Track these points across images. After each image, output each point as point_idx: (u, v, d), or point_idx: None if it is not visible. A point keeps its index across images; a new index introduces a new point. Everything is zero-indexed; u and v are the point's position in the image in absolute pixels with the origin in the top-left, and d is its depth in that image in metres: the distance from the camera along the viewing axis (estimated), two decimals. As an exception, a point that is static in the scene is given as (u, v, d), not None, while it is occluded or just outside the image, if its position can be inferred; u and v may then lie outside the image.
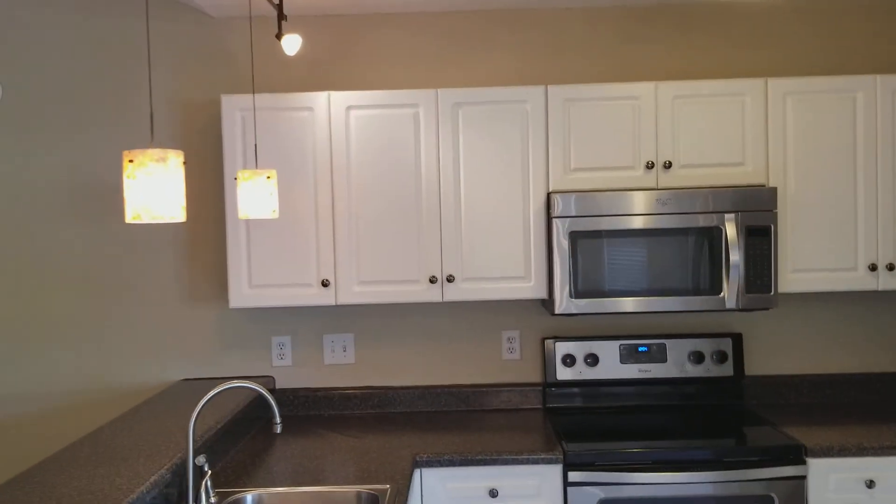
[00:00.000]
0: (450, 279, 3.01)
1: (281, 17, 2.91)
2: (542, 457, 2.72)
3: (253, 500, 2.35)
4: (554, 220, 2.93)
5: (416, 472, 2.74)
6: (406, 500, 2.34)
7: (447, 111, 3.00)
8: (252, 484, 2.44)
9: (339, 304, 3.03)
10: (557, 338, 3.30)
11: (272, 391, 3.37)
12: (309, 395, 3.36)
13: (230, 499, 2.31)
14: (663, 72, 3.33)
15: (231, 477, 2.53)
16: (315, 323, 3.38)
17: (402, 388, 3.37)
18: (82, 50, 3.32)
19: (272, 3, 2.84)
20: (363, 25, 3.33)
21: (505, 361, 3.39)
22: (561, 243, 2.93)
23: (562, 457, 2.72)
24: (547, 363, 3.29)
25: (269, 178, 2.44)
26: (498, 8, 3.30)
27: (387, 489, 2.35)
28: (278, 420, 2.21)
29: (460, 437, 2.93)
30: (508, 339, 3.38)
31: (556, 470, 2.74)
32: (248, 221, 3.02)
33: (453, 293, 3.03)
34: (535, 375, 3.39)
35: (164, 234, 3.36)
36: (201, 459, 2.25)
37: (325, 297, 3.04)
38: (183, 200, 1.69)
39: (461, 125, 3.01)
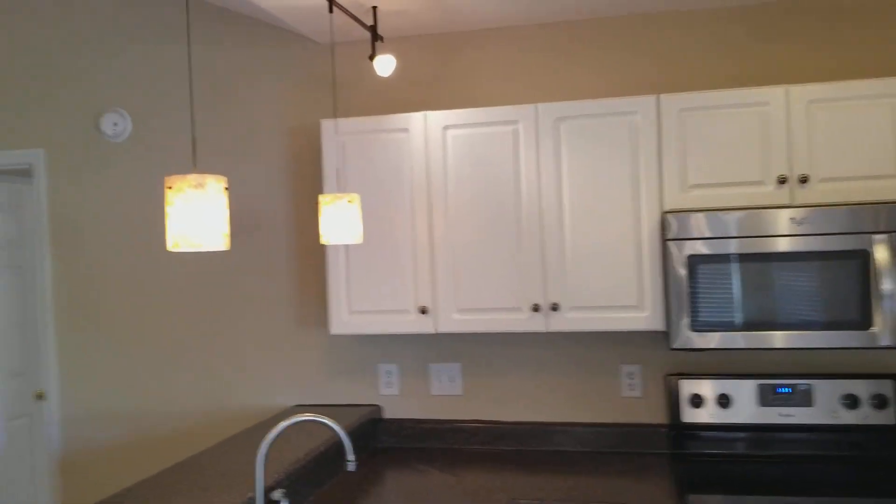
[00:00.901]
0: (554, 307, 2.80)
1: (374, 38, 2.84)
2: (650, 508, 2.43)
3: (330, 540, 2.24)
4: (669, 244, 2.65)
5: (511, 517, 2.53)
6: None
7: (548, 127, 2.81)
8: (334, 522, 2.34)
9: (438, 332, 2.90)
10: (683, 375, 2.98)
11: (379, 420, 3.28)
12: (415, 427, 3.24)
13: (306, 537, 2.22)
14: (797, 74, 2.96)
15: (316, 512, 2.45)
16: (421, 351, 3.26)
17: (512, 423, 3.17)
18: (198, 79, 3.42)
19: (364, 25, 2.77)
20: (461, 43, 3.20)
21: (625, 399, 3.11)
22: (677, 269, 2.64)
23: (674, 509, 2.42)
24: (672, 403, 2.97)
25: (350, 201, 2.35)
26: (604, 16, 3.07)
27: (469, 537, 2.17)
28: (351, 458, 2.10)
29: (571, 481, 2.69)
30: (628, 374, 3.10)
31: (667, 523, 2.44)
32: (347, 247, 2.96)
33: (558, 323, 2.81)
34: (658, 416, 3.08)
35: (277, 260, 3.37)
36: (278, 494, 2.18)
37: (424, 325, 2.91)
38: (225, 228, 1.61)
39: (563, 141, 2.80)
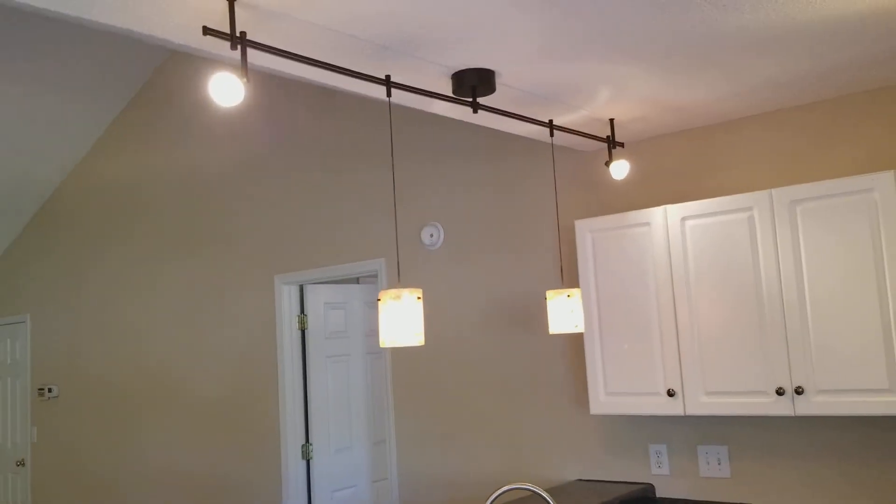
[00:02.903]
0: (798, 391, 2.77)
1: (610, 147, 3.19)
2: None
3: None
4: (914, 323, 2.51)
5: None
6: None
7: (783, 210, 2.85)
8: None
9: (687, 414, 3.03)
10: (971, 465, 2.69)
11: (652, 500, 3.44)
12: (685, 507, 3.35)
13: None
14: None
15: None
16: (689, 433, 3.38)
17: (782, 508, 3.12)
18: (493, 191, 4.05)
19: (600, 139, 3.15)
20: (701, 137, 3.36)
21: (906, 489, 2.88)
22: (925, 350, 2.48)
23: None
24: (957, 496, 2.70)
25: (569, 296, 2.70)
26: (839, 95, 3.01)
27: None
28: (561, 522, 2.40)
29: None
30: (908, 462, 2.87)
31: None
32: (601, 333, 3.27)
33: (805, 407, 2.77)
34: (946, 510, 2.80)
35: (557, 345, 3.78)
36: (509, 551, 2.55)
37: (674, 408, 3.07)
38: (419, 328, 2.11)
39: (800, 223, 2.82)
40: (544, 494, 2.42)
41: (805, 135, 3.15)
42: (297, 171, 4.96)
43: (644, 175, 3.55)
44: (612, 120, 3.19)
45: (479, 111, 2.57)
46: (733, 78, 2.76)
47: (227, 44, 1.88)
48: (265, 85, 5.13)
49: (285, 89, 5.04)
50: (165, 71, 5.91)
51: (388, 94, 2.28)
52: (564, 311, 2.71)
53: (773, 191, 2.88)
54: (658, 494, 3.45)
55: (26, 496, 6.89)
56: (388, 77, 2.26)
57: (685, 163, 3.45)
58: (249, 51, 1.95)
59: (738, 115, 3.26)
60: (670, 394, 3.07)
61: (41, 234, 7.03)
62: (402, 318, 2.10)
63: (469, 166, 4.16)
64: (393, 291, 2.11)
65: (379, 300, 2.13)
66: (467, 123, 3.96)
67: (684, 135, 3.46)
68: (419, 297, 2.13)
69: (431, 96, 2.44)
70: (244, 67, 1.84)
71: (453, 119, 3.85)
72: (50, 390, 6.70)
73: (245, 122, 5.31)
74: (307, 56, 2.08)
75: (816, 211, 2.79)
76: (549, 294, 2.76)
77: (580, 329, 2.72)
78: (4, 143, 6.04)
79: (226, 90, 1.81)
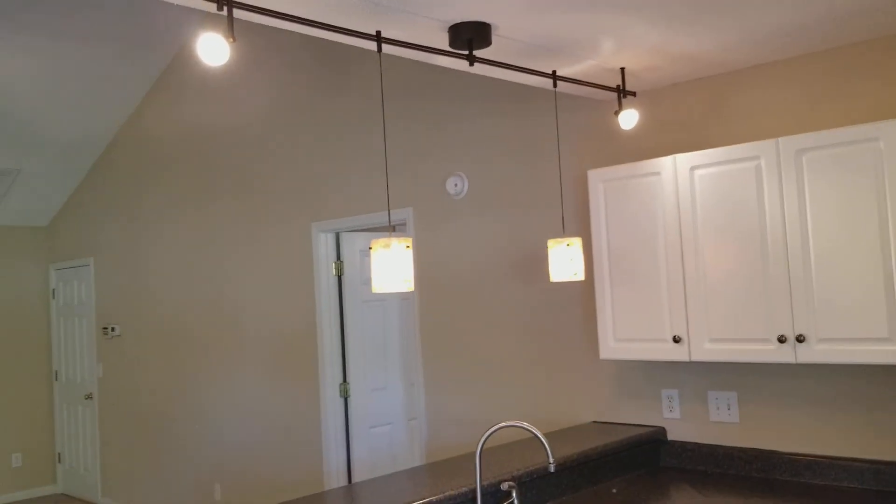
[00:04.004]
0: (800, 339, 2.80)
1: (620, 96, 3.20)
2: (876, 550, 2.34)
3: (547, 530, 2.67)
4: (913, 273, 2.50)
5: (738, 540, 2.64)
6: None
7: (789, 160, 2.84)
8: (563, 517, 2.75)
9: (692, 360, 3.09)
10: (973, 415, 2.69)
11: (663, 442, 3.53)
12: (694, 450, 3.42)
13: (529, 525, 2.68)
14: None
15: (556, 509, 2.88)
16: (700, 379, 3.44)
17: (788, 454, 3.17)
18: (516, 141, 4.10)
19: (610, 88, 3.16)
20: (714, 86, 3.33)
21: (909, 437, 2.89)
22: (921, 300, 2.48)
23: (900, 554, 2.30)
24: (957, 444, 2.71)
25: (569, 245, 2.77)
26: (854, 42, 2.94)
27: (658, 544, 2.41)
28: (551, 460, 2.52)
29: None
30: (912, 411, 2.88)
31: (893, 569, 2.32)
32: (611, 281, 3.33)
33: (806, 355, 2.80)
34: (947, 458, 2.81)
35: (573, 293, 3.86)
36: (506, 486, 2.69)
37: (679, 353, 3.13)
38: (407, 275, 2.23)
39: (806, 173, 2.81)
40: (537, 433, 2.53)
41: (818, 84, 3.10)
42: (331, 125, 5.09)
43: (658, 125, 3.55)
44: (622, 69, 3.19)
45: (477, 64, 2.62)
46: (743, 25, 2.73)
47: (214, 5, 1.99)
48: (303, 38, 5.24)
49: (318, 42, 5.13)
50: (207, 27, 6.07)
51: (379, 50, 2.35)
52: (564, 260, 2.79)
53: (780, 140, 2.86)
54: (669, 437, 3.54)
55: (94, 427, 7.38)
56: (378, 33, 2.33)
57: (698, 112, 3.43)
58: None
59: (751, 63, 3.22)
60: (676, 340, 3.13)
61: (100, 183, 7.38)
62: (391, 266, 2.22)
63: (494, 117, 4.20)
64: (383, 240, 2.22)
65: (370, 248, 2.25)
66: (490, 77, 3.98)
67: (697, 84, 3.43)
68: (408, 246, 2.24)
69: (425, 51, 2.50)
70: (230, 28, 1.95)
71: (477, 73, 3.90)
72: (113, 329, 7.11)
73: (281, 79, 5.44)
74: (296, 15, 2.17)
75: (822, 160, 2.77)
76: (550, 243, 2.84)
77: (579, 277, 2.79)
78: (63, 97, 6.32)
79: (212, 50, 1.93)
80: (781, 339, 2.85)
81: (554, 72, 2.98)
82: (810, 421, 3.13)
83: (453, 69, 3.46)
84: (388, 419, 5.34)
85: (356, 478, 5.13)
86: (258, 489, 5.62)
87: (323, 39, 5.08)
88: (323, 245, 5.18)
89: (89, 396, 7.43)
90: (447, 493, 2.57)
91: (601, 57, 2.96)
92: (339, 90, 5.05)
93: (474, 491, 2.63)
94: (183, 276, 6.35)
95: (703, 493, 3.02)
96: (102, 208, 7.34)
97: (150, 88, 6.71)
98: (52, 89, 6.19)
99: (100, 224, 7.37)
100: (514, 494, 2.70)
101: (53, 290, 8.01)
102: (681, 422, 3.50)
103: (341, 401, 5.17)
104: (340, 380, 5.17)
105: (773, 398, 3.23)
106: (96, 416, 7.35)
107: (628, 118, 3.13)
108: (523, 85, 4.00)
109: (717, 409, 3.39)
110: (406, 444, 5.40)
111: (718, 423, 3.39)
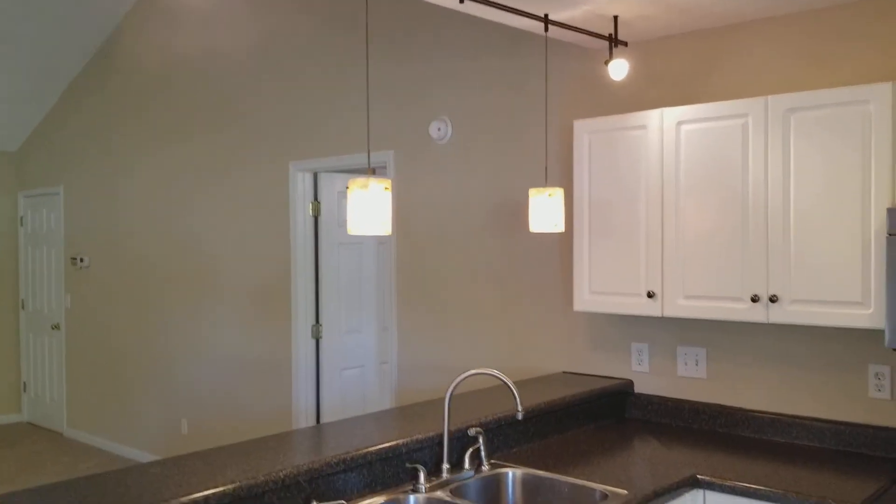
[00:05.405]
0: (773, 299, 2.81)
1: (612, 45, 3.14)
2: (834, 507, 2.39)
3: (513, 476, 2.69)
4: (890, 238, 2.51)
5: (700, 493, 2.68)
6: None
7: (777, 119, 2.81)
8: (530, 464, 2.77)
9: (664, 315, 3.10)
10: (936, 380, 2.74)
11: (630, 394, 3.56)
12: (661, 404, 3.46)
13: (495, 471, 2.70)
14: None
15: (520, 456, 2.90)
16: (670, 334, 3.46)
17: (752, 411, 3.21)
18: (502, 88, 4.03)
19: (602, 36, 3.10)
20: (707, 39, 3.27)
21: (871, 400, 2.94)
22: (894, 265, 2.49)
23: (856, 512, 2.35)
24: (918, 409, 2.76)
25: (550, 195, 2.74)
26: (845, 2, 2.90)
27: (622, 493, 2.44)
28: (519, 408, 2.52)
29: (784, 472, 2.71)
30: (876, 374, 2.92)
31: (849, 526, 2.37)
32: (590, 234, 3.31)
33: (778, 315, 2.82)
34: (908, 421, 2.87)
35: (551, 244, 3.84)
36: (473, 431, 2.71)
37: (652, 308, 3.14)
38: (385, 218, 2.19)
39: (792, 133, 2.78)
40: (507, 381, 2.53)
41: (810, 43, 3.06)
42: (313, 62, 4.96)
43: (647, 77, 3.49)
44: (615, 17, 3.12)
45: (467, 2, 2.54)
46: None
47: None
48: (285, -34, 5.07)
49: (304, -29, 4.98)
50: (189, -53, 5.86)
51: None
52: (545, 211, 2.75)
53: (770, 98, 2.83)
54: (637, 390, 3.57)
55: (61, 357, 7.33)
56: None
57: (689, 66, 3.38)
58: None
59: (745, 18, 3.16)
60: (650, 295, 3.13)
61: (73, 110, 7.18)
62: (369, 207, 2.17)
63: (482, 62, 4.11)
64: (360, 180, 2.17)
65: (348, 188, 2.20)
66: (479, 19, 3.89)
67: (689, 37, 3.37)
68: (387, 188, 2.19)
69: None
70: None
71: (467, 14, 3.80)
72: (82, 260, 7.01)
73: (264, 11, 5.28)
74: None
75: (810, 120, 2.74)
76: (532, 192, 2.80)
77: (559, 228, 2.77)
78: (32, 20, 6.10)
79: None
80: (754, 299, 2.86)
81: (546, 15, 2.91)
82: (776, 380, 3.17)
83: (442, 8, 3.37)
84: (359, 362, 5.35)
85: (325, 419, 5.15)
86: (225, 426, 5.63)
87: (307, -29, 4.92)
88: (300, 185, 5.10)
89: (56, 327, 7.36)
90: (415, 437, 2.57)
91: (595, 2, 2.89)
92: (324, 27, 4.92)
93: (441, 435, 2.64)
94: (156, 210, 6.24)
95: (667, 445, 3.06)
96: (74, 136, 7.16)
97: (129, 10, 6.49)
98: (24, 7, 5.96)
99: (71, 152, 7.20)
100: (480, 440, 2.71)
101: (21, 217, 7.85)
102: (649, 375, 3.53)
103: (313, 342, 5.16)
104: (313, 321, 5.15)
105: (741, 356, 3.26)
106: (63, 347, 7.29)
107: (618, 68, 3.08)
108: (513, 30, 3.91)
109: (686, 364, 3.42)
110: (376, 388, 5.42)
111: (686, 377, 3.42)
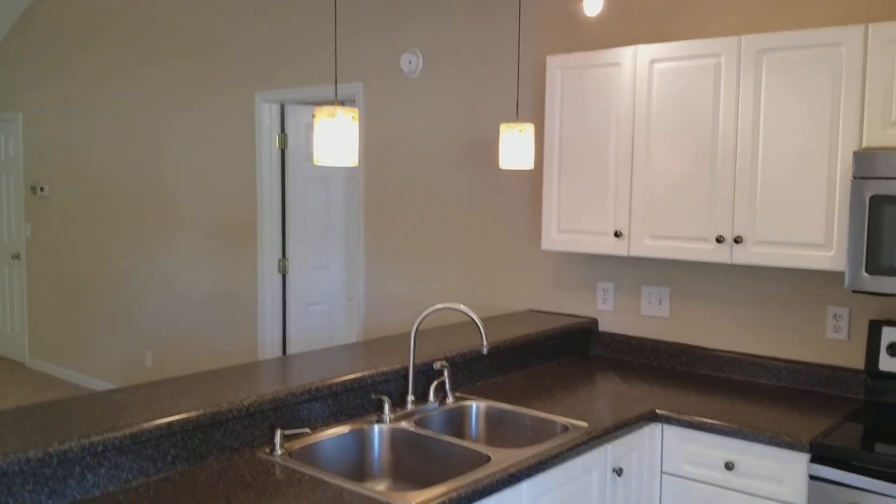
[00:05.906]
0: (737, 240, 2.84)
1: (587, -22, 3.07)
2: (786, 441, 2.46)
3: (477, 408, 2.73)
4: (854, 182, 2.53)
5: (658, 427, 2.75)
6: (604, 438, 2.45)
7: (750, 59, 2.80)
8: (494, 398, 2.81)
9: (630, 255, 3.13)
10: (889, 322, 2.81)
11: (594, 332, 3.61)
12: (624, 342, 3.51)
13: (459, 403, 2.73)
14: None
15: (484, 390, 2.94)
16: (636, 273, 3.49)
17: (713, 350, 3.28)
18: (474, 21, 3.95)
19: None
20: (701, -26, 3.23)
21: (829, 341, 3.01)
22: (859, 209, 2.52)
23: (808, 444, 2.43)
24: (871, 349, 2.83)
25: (521, 131, 2.71)
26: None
27: (583, 426, 2.49)
28: (485, 343, 2.54)
29: (740, 407, 2.79)
30: (834, 316, 2.99)
31: (799, 458, 2.45)
32: (559, 173, 3.30)
33: (742, 256, 2.85)
34: (860, 361, 2.94)
35: (520, 182, 3.83)
36: (439, 365, 2.73)
37: (618, 248, 3.16)
38: (352, 149, 2.15)
39: (764, 74, 2.77)
40: (473, 316, 2.55)
41: (790, -19, 3.03)
42: (282, -17, 4.82)
43: (622, 14, 3.45)
44: (592, -50, 3.06)
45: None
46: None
47: None
48: None
49: None
50: None
51: None
52: (515, 147, 2.73)
53: (743, 37, 2.81)
54: (601, 328, 3.62)
55: (22, 287, 7.22)
56: None
57: (663, 4, 3.33)
58: None
59: (726, -46, 3.12)
60: (617, 234, 3.15)
61: (32, 33, 6.92)
62: (335, 137, 2.13)
63: (452, -9, 4.02)
64: (328, 109, 2.13)
65: (314, 117, 2.15)
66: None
67: (669, -28, 3.32)
68: (354, 118, 2.15)
69: None
70: None
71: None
72: (42, 189, 6.85)
73: (232, -73, 5.09)
74: None
75: (782, 61, 2.73)
76: (503, 128, 2.77)
77: (529, 166, 2.75)
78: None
79: None
80: (719, 240, 2.89)
81: (520, -55, 2.83)
82: (737, 320, 3.23)
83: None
84: (326, 298, 5.34)
85: (291, 353, 5.17)
86: (190, 359, 5.62)
87: None
88: (267, 116, 5.00)
89: (17, 256, 7.23)
90: (381, 369, 2.59)
91: (571, -66, 2.82)
92: (292, -49, 4.76)
93: (407, 368, 2.66)
94: (118, 139, 6.09)
95: (628, 381, 3.12)
96: (34, 61, 6.91)
97: (86, -68, 6.22)
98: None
99: (30, 77, 6.97)
100: (445, 373, 2.74)
101: (-21, 144, 7.63)
102: (613, 314, 3.58)
103: (279, 277, 5.14)
104: (280, 256, 5.12)
105: (704, 296, 3.31)
106: (24, 277, 7.18)
107: (593, 2, 3.02)
108: (486, -40, 3.82)
109: (650, 303, 3.46)
110: (344, 324, 5.44)
111: (649, 316, 3.47)
